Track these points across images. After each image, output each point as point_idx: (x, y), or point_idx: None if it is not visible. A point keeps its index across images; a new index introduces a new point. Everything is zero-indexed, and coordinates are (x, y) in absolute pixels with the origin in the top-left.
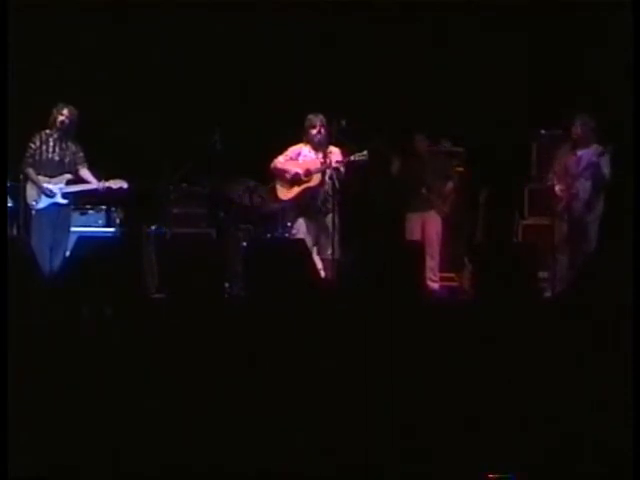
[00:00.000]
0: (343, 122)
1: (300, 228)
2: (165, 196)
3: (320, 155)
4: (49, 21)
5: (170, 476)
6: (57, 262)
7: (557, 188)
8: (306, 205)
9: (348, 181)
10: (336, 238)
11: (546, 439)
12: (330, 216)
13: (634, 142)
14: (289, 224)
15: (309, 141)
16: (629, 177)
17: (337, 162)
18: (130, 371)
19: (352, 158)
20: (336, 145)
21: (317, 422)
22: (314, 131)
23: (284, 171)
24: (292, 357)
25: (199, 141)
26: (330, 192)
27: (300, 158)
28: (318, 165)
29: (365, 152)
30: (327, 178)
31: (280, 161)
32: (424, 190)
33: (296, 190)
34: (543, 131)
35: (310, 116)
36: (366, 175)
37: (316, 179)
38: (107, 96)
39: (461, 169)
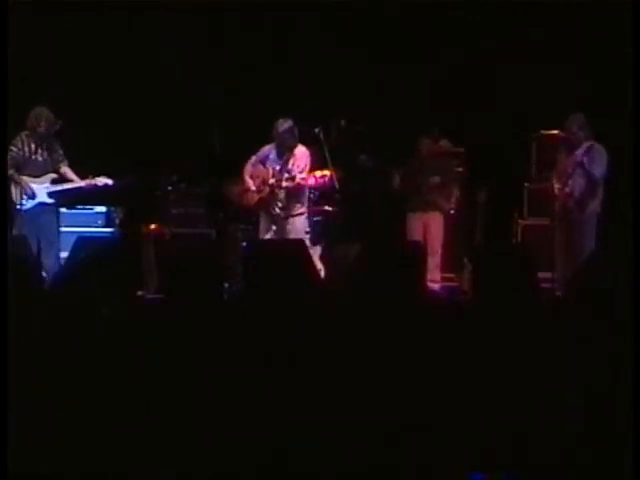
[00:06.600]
0: (343, 122)
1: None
2: (164, 196)
3: (282, 160)
4: (49, 21)
5: (171, 476)
6: (49, 263)
7: (555, 188)
8: (264, 210)
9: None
10: (335, 238)
11: (546, 439)
12: (293, 219)
13: (634, 142)
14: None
15: (276, 145)
16: (628, 177)
17: (290, 181)
18: (129, 371)
19: (316, 176)
20: (305, 145)
21: (316, 422)
22: (279, 137)
23: (244, 178)
24: (291, 357)
25: (199, 141)
26: (291, 197)
27: (267, 162)
28: (272, 180)
29: (327, 172)
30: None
31: (250, 162)
32: (425, 191)
33: (255, 197)
34: (543, 131)
35: (280, 120)
36: (366, 178)
37: (268, 190)
38: (107, 96)
39: (461, 169)
